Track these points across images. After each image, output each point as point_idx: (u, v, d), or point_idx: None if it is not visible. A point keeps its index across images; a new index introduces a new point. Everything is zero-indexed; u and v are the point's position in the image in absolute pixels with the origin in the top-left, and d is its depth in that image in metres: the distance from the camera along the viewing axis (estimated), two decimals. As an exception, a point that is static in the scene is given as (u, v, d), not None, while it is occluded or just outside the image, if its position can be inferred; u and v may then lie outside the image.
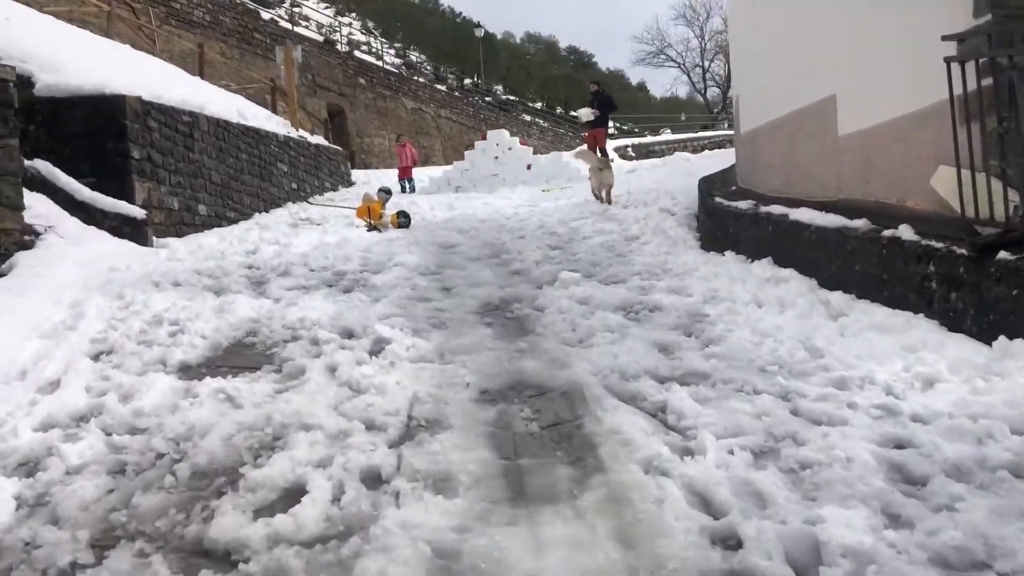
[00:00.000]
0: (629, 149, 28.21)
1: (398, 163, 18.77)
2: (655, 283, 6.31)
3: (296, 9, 36.58)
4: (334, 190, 18.28)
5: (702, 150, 41.21)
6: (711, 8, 61.31)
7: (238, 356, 5.16)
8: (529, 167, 16.77)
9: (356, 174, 21.80)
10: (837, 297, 5.17)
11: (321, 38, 30.24)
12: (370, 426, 3.75)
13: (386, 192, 11.41)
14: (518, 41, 69.92)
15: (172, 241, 9.58)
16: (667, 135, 47.05)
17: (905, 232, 4.63)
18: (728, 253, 6.76)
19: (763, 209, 6.63)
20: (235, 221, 12.39)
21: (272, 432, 3.71)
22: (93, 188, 9.08)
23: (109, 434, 3.78)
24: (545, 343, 5.07)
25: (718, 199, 7.51)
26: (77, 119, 9.40)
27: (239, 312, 5.91)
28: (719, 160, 15.80)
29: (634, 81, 73.47)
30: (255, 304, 6.21)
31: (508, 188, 16.05)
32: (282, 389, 4.35)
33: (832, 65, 6.12)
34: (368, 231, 10.60)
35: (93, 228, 8.61)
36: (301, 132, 18.13)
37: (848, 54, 5.72)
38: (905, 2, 5.09)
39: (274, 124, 16.67)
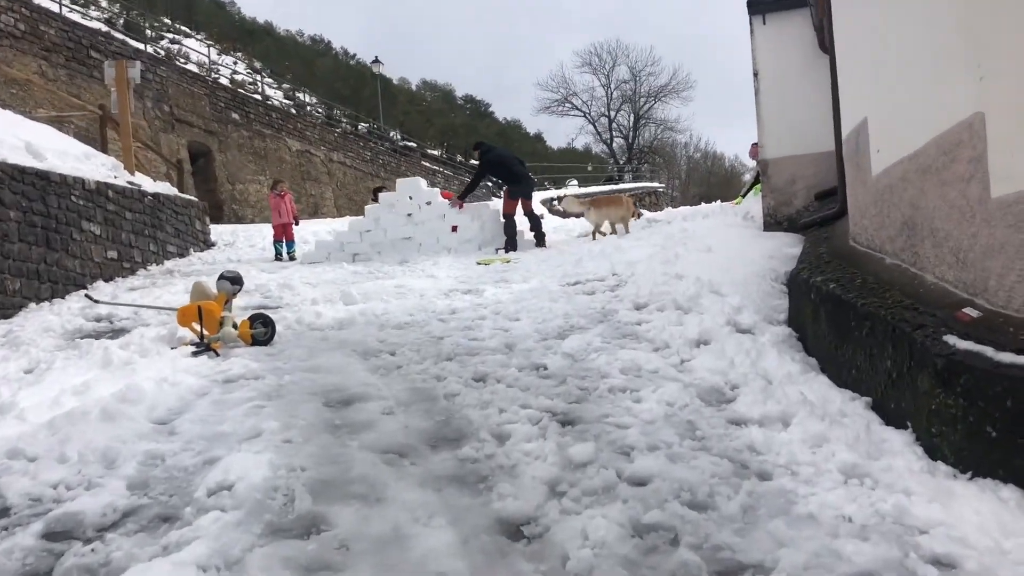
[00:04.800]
0: (555, 203, 24.20)
1: (274, 218, 13.90)
2: None
3: (174, 47, 31.39)
4: (181, 255, 13.34)
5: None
6: (617, 56, 59.37)
7: None
8: (455, 229, 12.30)
9: (220, 231, 16.83)
10: None
11: (184, 62, 24.95)
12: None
13: (232, 280, 6.66)
14: (414, 88, 66.27)
15: None
16: (574, 187, 43.72)
17: None
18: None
19: None
20: (-19, 323, 7.42)
21: None
22: None
23: None
24: None
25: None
26: None
27: None
28: (715, 222, 11.75)
29: (531, 131, 70.90)
30: None
31: (427, 258, 11.49)
32: None
33: None
34: (195, 354, 5.88)
35: None
36: (138, 177, 13.20)
37: None
38: None
39: (93, 166, 11.78)
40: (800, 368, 4.57)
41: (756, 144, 12.39)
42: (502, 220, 12.16)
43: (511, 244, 11.86)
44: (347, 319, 7.26)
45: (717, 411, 4.19)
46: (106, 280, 10.26)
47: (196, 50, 31.46)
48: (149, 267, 11.77)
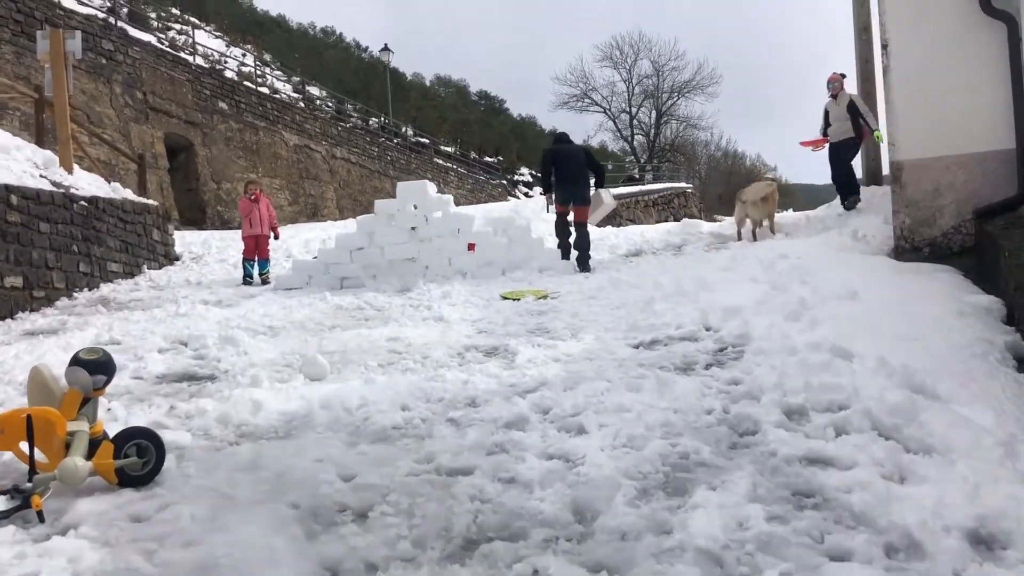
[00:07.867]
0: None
1: (244, 229, 11.01)
2: None
3: (180, 37, 28.83)
4: (129, 275, 10.64)
5: (653, 205, 35.14)
6: (639, 50, 56.27)
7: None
8: (472, 247, 9.54)
9: (191, 240, 14.11)
10: None
11: (164, 45, 22.13)
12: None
13: (93, 368, 3.79)
14: (428, 83, 63.56)
15: None
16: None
17: None
18: None
19: None
20: None
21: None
22: None
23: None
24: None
25: None
26: None
27: None
28: (816, 245, 8.93)
29: (547, 128, 67.85)
30: None
31: (436, 286, 8.71)
32: None
33: None
34: (5, 512, 3.16)
35: None
36: (77, 175, 10.57)
37: None
38: None
39: (10, 162, 9.16)
40: None
41: (839, 74, 10.76)
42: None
43: (562, 249, 9.99)
44: (301, 416, 4.49)
45: None
46: (1, 318, 7.58)
47: (203, 44, 28.88)
48: (76, 294, 9.08)
